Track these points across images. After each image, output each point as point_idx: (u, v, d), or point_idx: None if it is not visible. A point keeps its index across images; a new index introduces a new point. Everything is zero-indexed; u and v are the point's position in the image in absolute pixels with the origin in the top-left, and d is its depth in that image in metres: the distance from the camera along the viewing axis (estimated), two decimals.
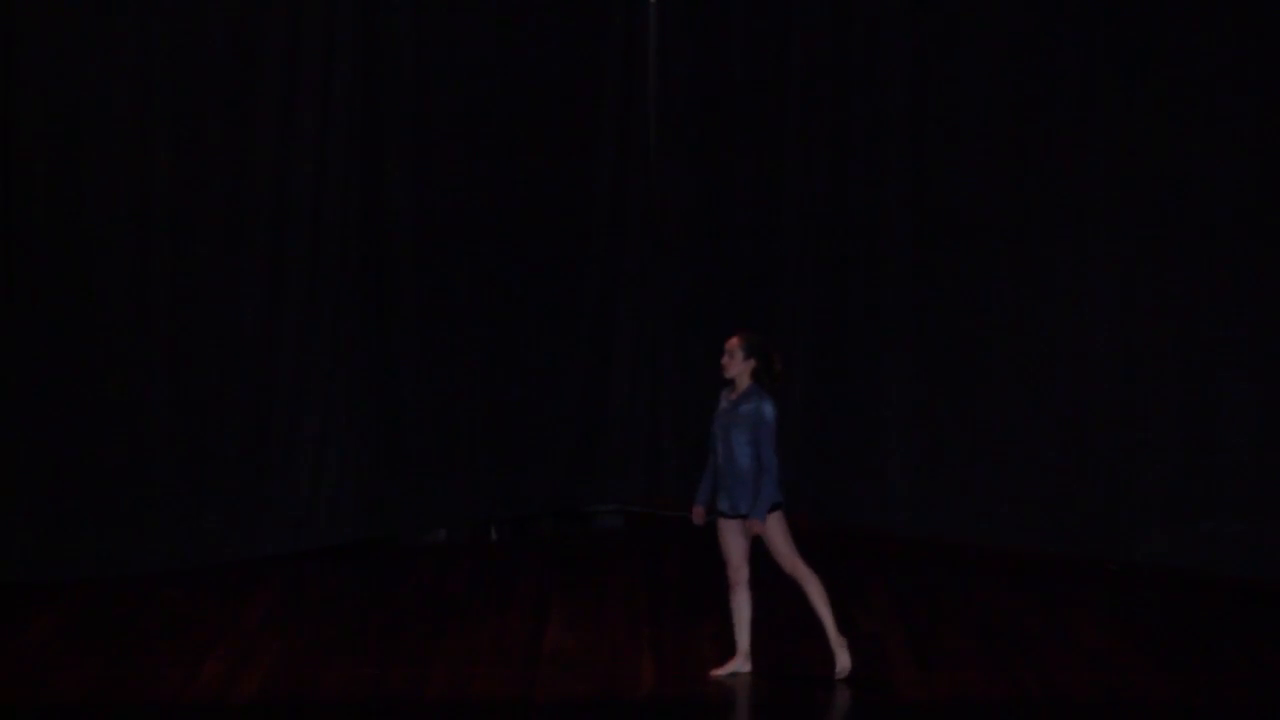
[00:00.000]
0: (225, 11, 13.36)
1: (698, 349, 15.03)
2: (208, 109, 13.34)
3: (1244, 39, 12.91)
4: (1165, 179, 13.22)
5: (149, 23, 13.07)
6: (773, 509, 10.57)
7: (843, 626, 10.84)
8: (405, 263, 14.18)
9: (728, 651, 11.00)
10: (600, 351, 15.13)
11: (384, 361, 14.16)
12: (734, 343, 10.66)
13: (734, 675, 10.82)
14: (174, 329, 13.27)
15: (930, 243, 14.13)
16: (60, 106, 12.85)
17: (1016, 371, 13.81)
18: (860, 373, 14.44)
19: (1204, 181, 13.08)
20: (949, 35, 13.98)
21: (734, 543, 10.70)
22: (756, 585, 10.78)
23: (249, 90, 13.49)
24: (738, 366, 10.62)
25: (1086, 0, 13.43)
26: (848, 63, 14.40)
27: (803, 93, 14.60)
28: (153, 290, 13.19)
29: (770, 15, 14.69)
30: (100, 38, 12.93)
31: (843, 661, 10.74)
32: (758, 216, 14.86)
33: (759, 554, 10.75)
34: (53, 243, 12.88)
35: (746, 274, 14.91)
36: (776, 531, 10.60)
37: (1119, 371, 13.43)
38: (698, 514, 10.86)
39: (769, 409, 10.53)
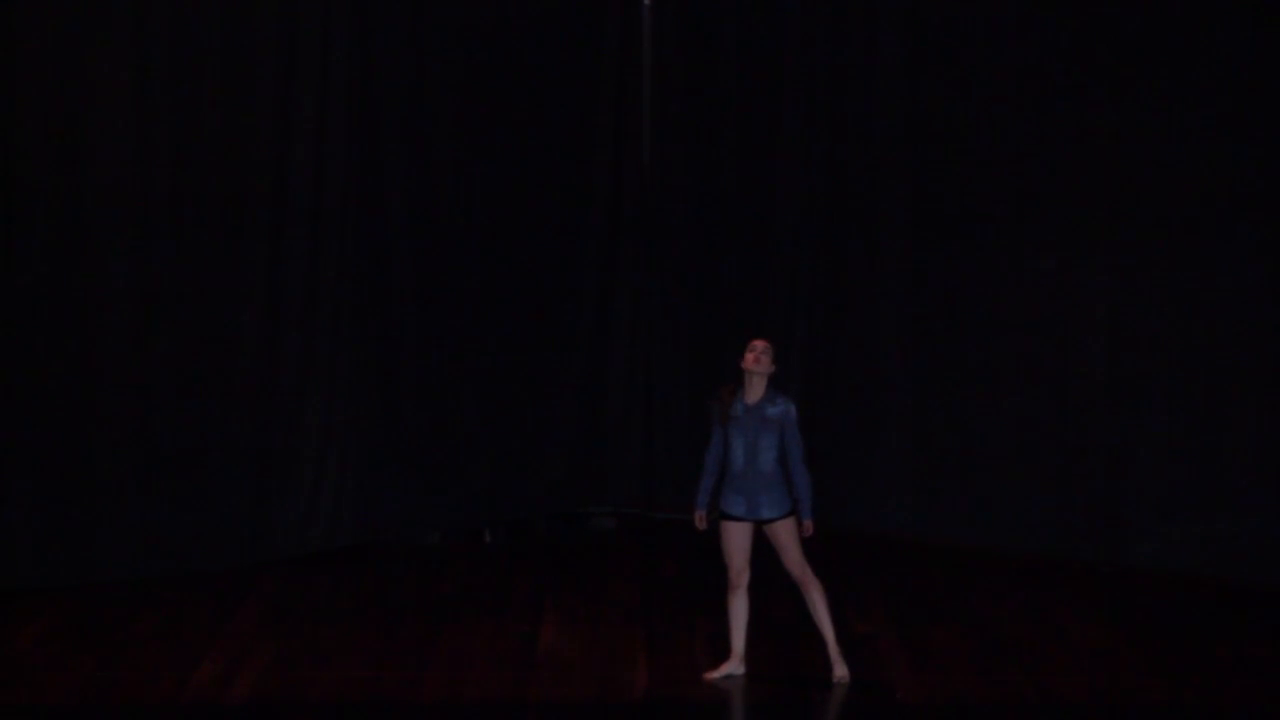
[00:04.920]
0: (223, 11, 13.35)
1: (693, 352, 15.06)
2: (206, 111, 13.33)
3: (1244, 44, 12.92)
4: (1164, 180, 13.24)
5: (147, 23, 13.05)
6: (790, 513, 10.61)
7: (838, 628, 10.84)
8: (403, 268, 14.20)
9: (722, 654, 11.01)
10: (596, 355, 15.16)
11: (381, 365, 14.17)
12: (766, 343, 10.66)
13: (728, 677, 10.82)
14: (172, 334, 13.26)
15: (926, 244, 14.16)
16: (60, 106, 12.84)
17: (1012, 374, 13.82)
18: (855, 375, 14.46)
19: (1203, 182, 13.10)
20: (946, 34, 13.99)
21: (741, 546, 10.69)
22: (751, 587, 10.78)
23: (247, 95, 13.49)
24: (768, 366, 10.62)
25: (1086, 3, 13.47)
26: (844, 63, 14.42)
27: (798, 95, 14.62)
28: (151, 294, 13.18)
29: (765, 14, 14.70)
30: (99, 39, 12.92)
31: (840, 672, 10.73)
32: (753, 221, 14.88)
33: (756, 557, 10.75)
34: (52, 245, 12.87)
35: (742, 278, 14.93)
36: (792, 534, 10.62)
37: (1114, 374, 13.45)
38: (700, 519, 10.85)
39: (795, 408, 10.59)
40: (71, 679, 10.86)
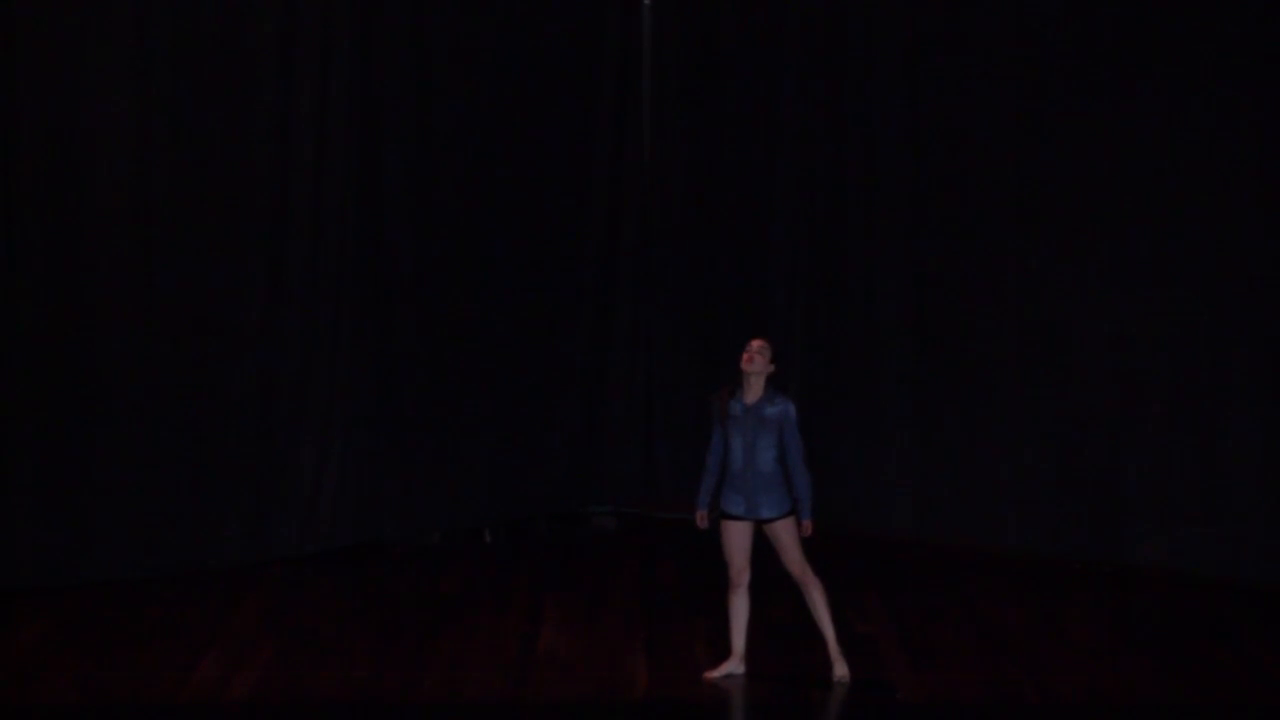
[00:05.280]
0: (223, 11, 13.35)
1: (692, 352, 15.05)
2: (207, 113, 13.32)
3: (1246, 45, 12.92)
4: (1164, 181, 13.23)
5: (148, 21, 13.05)
6: (790, 513, 10.61)
7: (838, 628, 10.84)
8: (403, 268, 14.20)
9: (722, 653, 11.00)
10: (596, 354, 15.15)
11: (383, 365, 14.16)
12: (763, 343, 10.66)
13: (729, 677, 10.82)
14: (173, 334, 13.26)
15: (927, 244, 14.15)
16: (59, 109, 12.82)
17: (1013, 373, 13.82)
18: (856, 375, 14.45)
19: (1205, 181, 13.09)
20: (947, 32, 13.98)
21: (740, 545, 10.70)
22: (751, 587, 10.77)
23: (247, 96, 13.48)
24: (763, 365, 10.61)
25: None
26: (844, 62, 14.41)
27: (798, 94, 14.61)
28: (151, 294, 13.17)
29: (765, 14, 14.70)
30: (99, 36, 12.91)
31: (840, 671, 10.73)
32: (753, 221, 14.87)
33: (757, 557, 10.75)
34: (53, 246, 12.85)
35: (743, 277, 14.92)
36: (792, 534, 10.62)
37: (1116, 374, 13.44)
38: (702, 519, 10.85)
39: (794, 409, 10.59)
40: (71, 679, 10.85)
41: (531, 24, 14.67)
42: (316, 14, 13.69)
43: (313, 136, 13.71)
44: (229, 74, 13.40)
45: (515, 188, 14.66)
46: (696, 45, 15.02)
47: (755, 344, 10.66)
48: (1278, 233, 12.91)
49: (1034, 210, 13.72)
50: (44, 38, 12.78)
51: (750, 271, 14.87)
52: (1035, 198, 13.71)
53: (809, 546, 10.75)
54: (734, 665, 10.84)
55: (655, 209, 15.21)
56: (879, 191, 14.29)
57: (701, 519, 10.85)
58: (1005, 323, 13.85)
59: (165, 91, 13.15)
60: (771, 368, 10.65)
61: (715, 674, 10.85)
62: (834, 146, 14.50)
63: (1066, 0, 13.52)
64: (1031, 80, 13.65)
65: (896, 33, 14.15)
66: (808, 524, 10.65)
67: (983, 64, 13.84)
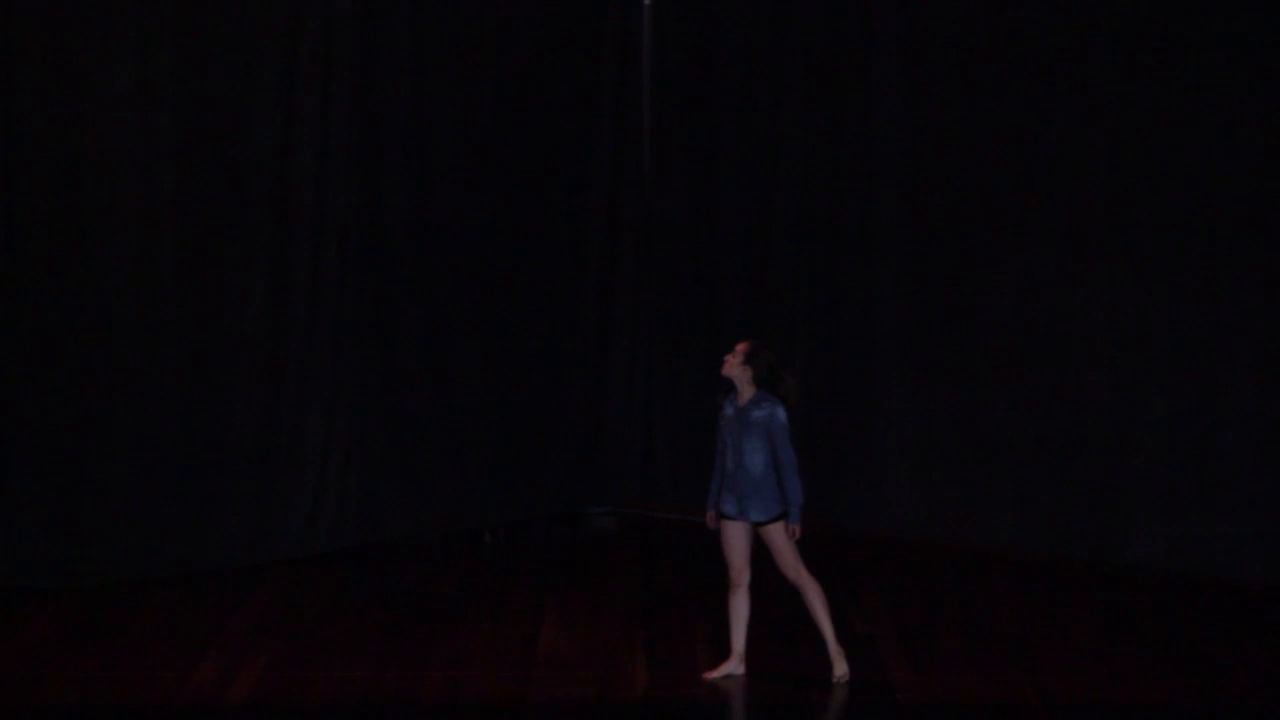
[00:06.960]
0: (226, 15, 13.35)
1: (692, 353, 15.05)
2: (210, 115, 13.32)
3: (1249, 44, 12.92)
4: (1162, 180, 13.24)
5: (150, 23, 13.05)
6: (781, 517, 10.61)
7: (838, 628, 10.85)
8: (406, 271, 14.20)
9: (722, 654, 11.01)
10: (596, 356, 15.15)
11: (383, 366, 14.16)
12: (741, 346, 10.68)
13: (728, 677, 10.82)
14: (174, 335, 13.26)
15: (925, 245, 14.15)
16: (62, 112, 12.82)
17: (1010, 373, 13.82)
18: (854, 375, 14.45)
19: (1201, 181, 13.11)
20: (945, 38, 13.98)
21: (738, 545, 10.71)
22: (750, 587, 10.77)
23: (250, 98, 13.48)
24: (733, 370, 10.63)
25: (1086, 1, 13.47)
26: (844, 63, 14.41)
27: (798, 95, 14.61)
28: (154, 294, 13.17)
29: (766, 14, 14.70)
30: (101, 38, 12.91)
31: (840, 670, 10.73)
32: (752, 222, 14.87)
33: (757, 557, 10.75)
34: (56, 247, 12.86)
35: (741, 278, 14.92)
36: (782, 538, 10.62)
37: (1113, 374, 13.44)
38: (711, 519, 10.85)
39: (781, 412, 10.59)
40: (71, 679, 10.85)
41: (531, 24, 14.67)
42: (318, 17, 13.69)
43: (314, 138, 13.71)
44: (232, 76, 13.40)
45: (515, 189, 14.67)
46: (696, 46, 15.02)
47: (736, 346, 10.70)
48: (1277, 233, 12.91)
49: (1033, 210, 13.72)
50: (46, 39, 12.77)
51: (750, 272, 14.87)
52: (1034, 198, 13.71)
53: (809, 545, 10.74)
54: (734, 665, 10.84)
55: (655, 209, 15.21)
56: (879, 191, 14.29)
57: (710, 519, 10.86)
58: (1005, 323, 13.85)
59: (168, 93, 13.14)
60: (748, 370, 10.64)
61: (715, 674, 10.86)
62: (834, 146, 14.50)
63: (1065, 3, 13.52)
64: (1031, 83, 13.65)
65: (897, 32, 14.14)
66: (795, 528, 10.63)
67: (983, 63, 13.85)
